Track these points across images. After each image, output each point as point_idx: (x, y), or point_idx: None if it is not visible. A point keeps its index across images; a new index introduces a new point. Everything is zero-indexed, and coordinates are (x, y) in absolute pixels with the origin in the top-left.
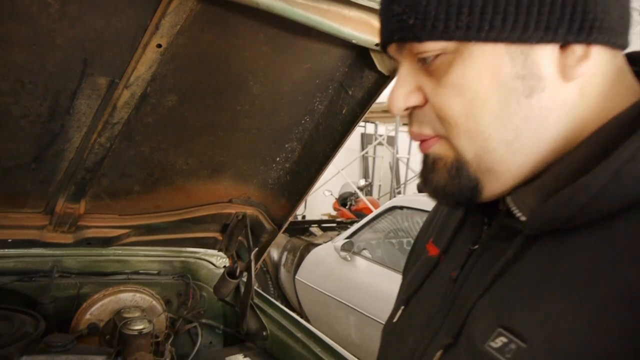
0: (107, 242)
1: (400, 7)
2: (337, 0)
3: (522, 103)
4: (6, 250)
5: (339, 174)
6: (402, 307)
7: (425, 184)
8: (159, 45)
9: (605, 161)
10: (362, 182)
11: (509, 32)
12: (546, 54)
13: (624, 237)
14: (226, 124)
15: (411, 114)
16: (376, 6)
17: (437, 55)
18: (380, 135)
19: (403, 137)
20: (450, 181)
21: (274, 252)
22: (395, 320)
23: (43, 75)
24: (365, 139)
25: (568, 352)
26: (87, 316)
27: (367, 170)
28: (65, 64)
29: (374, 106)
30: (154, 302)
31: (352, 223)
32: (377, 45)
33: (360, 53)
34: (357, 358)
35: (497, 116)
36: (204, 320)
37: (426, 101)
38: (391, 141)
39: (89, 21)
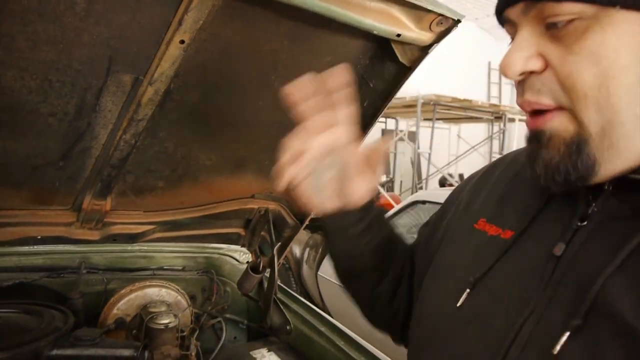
0: (132, 238)
1: None
2: None
3: None
4: (35, 247)
5: None
6: (468, 290)
7: (535, 162)
8: (182, 42)
9: None
10: (383, 178)
11: None
12: None
13: None
14: (248, 118)
15: (523, 81)
16: None
17: (570, 21)
18: (401, 131)
19: (424, 132)
20: (566, 158)
21: (295, 249)
22: (459, 304)
23: (70, 73)
24: (386, 135)
25: None
26: (115, 311)
27: (388, 166)
28: (91, 62)
29: (394, 101)
30: (179, 297)
31: None
32: (398, 35)
33: (382, 45)
34: (382, 352)
35: (632, 89)
36: (228, 315)
37: (545, 68)
38: (412, 137)
39: (113, 19)
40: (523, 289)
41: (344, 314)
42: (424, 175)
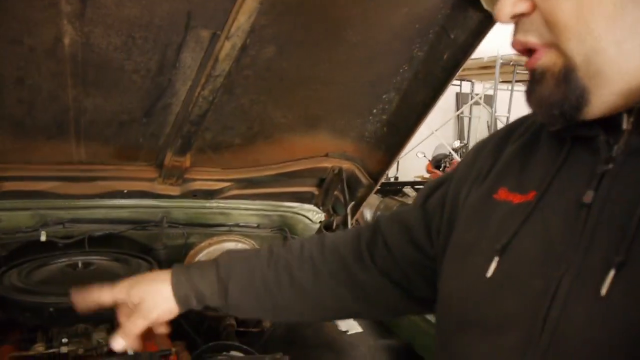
0: (210, 194)
1: None
2: None
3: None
4: (122, 200)
5: (433, 135)
6: (496, 259)
7: (530, 97)
8: None
9: None
10: (457, 144)
11: None
12: None
13: None
14: (323, 76)
15: (517, 23)
16: None
17: None
18: (477, 94)
19: (502, 96)
20: (555, 89)
21: (367, 213)
22: (490, 274)
23: (152, 29)
24: (461, 99)
25: None
26: (195, 262)
27: (463, 131)
28: (171, 17)
29: (470, 62)
30: None
31: None
32: None
33: None
34: None
35: (610, 17)
36: None
37: (533, 9)
38: (488, 100)
39: None
40: (556, 243)
41: None
42: None
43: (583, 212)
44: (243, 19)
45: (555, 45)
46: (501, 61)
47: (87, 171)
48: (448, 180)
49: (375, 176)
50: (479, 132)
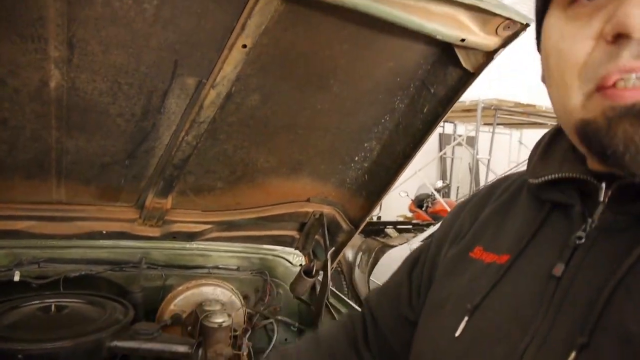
0: (191, 236)
1: None
2: None
3: None
4: (100, 240)
5: (416, 175)
6: (466, 319)
7: (632, 139)
8: (244, 46)
9: None
10: (440, 184)
11: None
12: None
13: None
14: (306, 122)
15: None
16: (464, 0)
17: None
18: (460, 136)
19: (484, 137)
20: None
21: (348, 253)
22: (458, 334)
23: (138, 76)
24: (444, 140)
25: None
26: (172, 307)
27: (445, 171)
28: (158, 65)
29: (454, 105)
30: (233, 296)
31: (428, 225)
32: (462, 40)
33: (444, 49)
34: None
35: None
36: (280, 317)
37: None
38: (471, 141)
39: (180, 24)
40: (523, 313)
41: None
42: (482, 182)
43: (552, 285)
44: (229, 69)
45: None
46: (482, 105)
47: (66, 211)
48: (429, 243)
49: (356, 222)
50: (461, 173)
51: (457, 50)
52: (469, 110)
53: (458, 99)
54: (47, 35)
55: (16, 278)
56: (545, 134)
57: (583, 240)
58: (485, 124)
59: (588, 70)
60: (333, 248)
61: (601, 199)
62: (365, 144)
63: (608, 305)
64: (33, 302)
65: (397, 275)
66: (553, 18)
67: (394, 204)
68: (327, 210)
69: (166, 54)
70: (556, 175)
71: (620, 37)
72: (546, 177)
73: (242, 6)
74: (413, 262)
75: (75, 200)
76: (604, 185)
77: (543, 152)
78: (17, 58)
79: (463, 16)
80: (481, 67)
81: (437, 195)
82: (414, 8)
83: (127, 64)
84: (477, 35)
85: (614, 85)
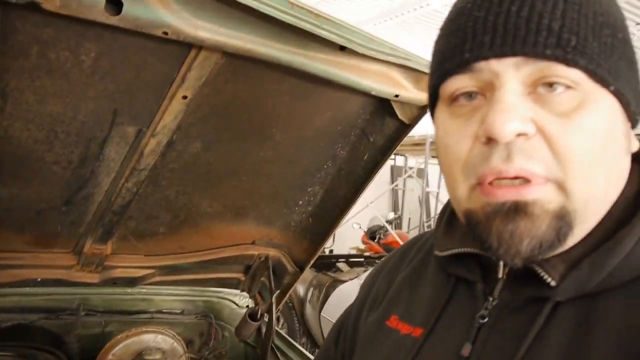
0: (132, 281)
1: (557, 22)
2: (357, 55)
3: (623, 159)
4: (35, 288)
5: (368, 207)
6: None
7: (504, 229)
8: (185, 97)
9: (629, 225)
10: (392, 216)
11: (630, 92)
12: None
13: None
14: (249, 169)
15: (510, 144)
16: (396, 60)
17: (567, 88)
18: (411, 168)
19: (433, 170)
20: (547, 229)
21: (299, 288)
22: None
23: (75, 124)
24: (395, 172)
25: None
26: (110, 357)
27: (397, 203)
28: (96, 114)
29: (403, 140)
30: (175, 343)
31: (380, 257)
32: (396, 96)
33: (381, 101)
34: None
35: (610, 167)
36: None
37: (535, 132)
38: (421, 174)
39: (119, 75)
40: None
41: None
42: (432, 214)
43: None
44: (169, 118)
45: (558, 182)
46: (431, 140)
47: None
48: (351, 309)
49: (301, 264)
50: (412, 205)
51: (392, 104)
52: (419, 144)
53: (396, 148)
54: None
55: None
56: (448, 202)
57: (486, 320)
58: (433, 157)
59: (469, 167)
60: (278, 291)
61: (500, 275)
62: (309, 189)
63: None
64: None
65: (325, 344)
66: (440, 112)
67: (347, 235)
68: (272, 252)
69: (105, 103)
70: (458, 250)
71: (491, 140)
72: (450, 251)
73: (182, 60)
74: (338, 330)
75: (8, 248)
76: (502, 263)
77: (447, 223)
78: None
79: (396, 73)
80: (416, 119)
81: (388, 227)
82: (348, 66)
83: (64, 113)
84: (410, 92)
85: (491, 183)
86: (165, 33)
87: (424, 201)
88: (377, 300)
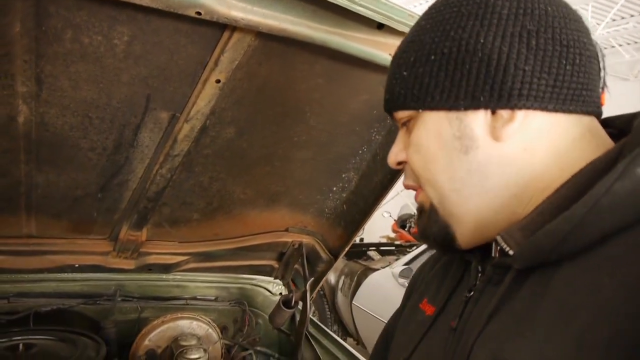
0: (167, 268)
1: (385, 87)
2: (395, 33)
3: (462, 159)
4: (73, 274)
5: (399, 195)
6: None
7: (417, 228)
8: (218, 81)
9: (585, 196)
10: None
11: (444, 101)
12: (478, 119)
13: (603, 263)
14: (283, 154)
15: (404, 168)
16: None
17: (408, 120)
18: None
19: None
20: (429, 224)
21: (331, 276)
22: None
23: (109, 110)
24: None
25: None
26: (146, 342)
27: None
28: (130, 100)
29: None
30: (210, 330)
31: (411, 246)
32: None
33: None
34: None
35: (445, 169)
36: (259, 348)
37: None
38: None
39: (152, 59)
40: None
41: None
42: None
43: (451, 336)
44: (203, 103)
45: (422, 188)
46: None
47: (37, 245)
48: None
49: (335, 252)
50: None
51: None
52: None
53: None
54: (14, 71)
55: None
56: None
57: (472, 293)
58: None
59: None
60: (312, 278)
61: (493, 254)
62: (344, 175)
63: (471, 353)
64: (1, 341)
65: (375, 347)
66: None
67: (377, 225)
68: (306, 240)
69: (138, 89)
70: None
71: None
72: None
73: (215, 42)
74: (386, 328)
75: (46, 234)
76: (493, 242)
77: None
78: None
79: None
80: None
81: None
82: (386, 45)
83: (98, 99)
84: None
85: None
86: (199, 13)
87: None
88: (419, 289)
